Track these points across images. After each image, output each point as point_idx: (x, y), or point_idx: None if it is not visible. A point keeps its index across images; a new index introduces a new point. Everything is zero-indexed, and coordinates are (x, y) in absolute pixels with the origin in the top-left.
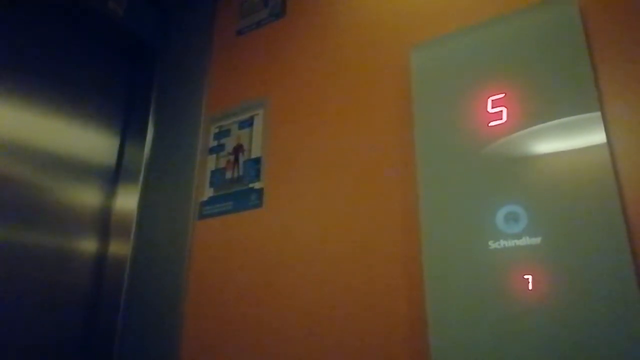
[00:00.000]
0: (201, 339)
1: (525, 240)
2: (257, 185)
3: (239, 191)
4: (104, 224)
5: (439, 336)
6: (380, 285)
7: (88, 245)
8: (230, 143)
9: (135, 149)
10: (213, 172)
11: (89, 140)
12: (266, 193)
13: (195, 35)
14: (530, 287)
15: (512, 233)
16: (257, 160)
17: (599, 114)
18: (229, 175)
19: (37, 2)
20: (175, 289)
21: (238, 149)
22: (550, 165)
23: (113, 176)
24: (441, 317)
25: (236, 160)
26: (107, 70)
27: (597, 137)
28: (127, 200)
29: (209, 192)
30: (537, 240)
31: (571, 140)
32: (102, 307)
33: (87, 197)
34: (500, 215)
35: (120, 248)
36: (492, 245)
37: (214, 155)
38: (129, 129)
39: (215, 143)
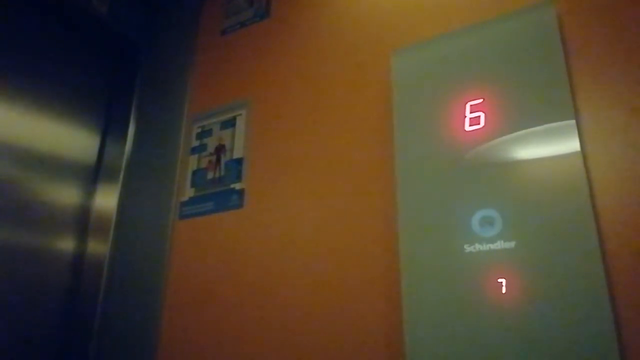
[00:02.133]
0: (180, 339)
1: (499, 244)
2: (238, 185)
3: (220, 191)
4: (82, 222)
5: (414, 338)
6: (359, 286)
7: (66, 243)
8: (212, 143)
9: (116, 148)
10: (194, 172)
11: (69, 138)
12: (247, 194)
13: (179, 34)
14: (503, 290)
15: (487, 237)
16: (239, 161)
17: (573, 121)
18: (210, 175)
19: None
20: (154, 289)
21: (220, 149)
22: (526, 172)
23: (93, 175)
24: (417, 318)
25: (218, 160)
26: (89, 68)
27: (571, 144)
28: (106, 199)
29: (190, 192)
30: (511, 244)
31: (546, 147)
32: (80, 306)
33: (66, 195)
34: (476, 219)
35: (99, 247)
36: (468, 248)
37: (196, 155)
38: (110, 127)
39: (197, 143)
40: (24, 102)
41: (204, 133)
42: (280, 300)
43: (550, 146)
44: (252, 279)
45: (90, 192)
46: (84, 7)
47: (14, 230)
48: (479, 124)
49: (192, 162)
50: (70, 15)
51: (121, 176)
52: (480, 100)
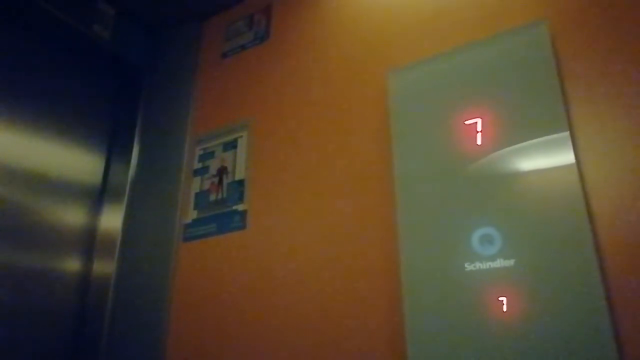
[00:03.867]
0: (185, 358)
1: (499, 262)
2: (240, 207)
3: (223, 213)
4: (88, 244)
5: (416, 356)
6: (362, 305)
7: (73, 265)
8: (214, 165)
9: (120, 170)
10: (197, 194)
11: (75, 161)
12: (250, 215)
13: (180, 58)
14: (504, 309)
15: (487, 255)
16: (241, 182)
17: (567, 133)
18: (213, 197)
19: (22, 25)
20: (159, 311)
21: (222, 171)
22: (523, 187)
23: (98, 196)
24: (419, 337)
25: (220, 182)
26: (93, 92)
27: (566, 157)
28: (112, 221)
29: (193, 214)
30: (510, 262)
31: (542, 160)
32: (86, 327)
33: (73, 217)
34: (476, 237)
35: (104, 268)
36: (468, 267)
37: (199, 177)
38: (114, 150)
39: (199, 165)
40: (31, 127)
41: (207, 155)
42: (283, 319)
43: (545, 158)
44: (255, 299)
45: (95, 213)
46: (87, 33)
47: (23, 252)
48: (475, 140)
49: (195, 184)
50: (74, 41)
51: (125, 198)
52: (476, 118)
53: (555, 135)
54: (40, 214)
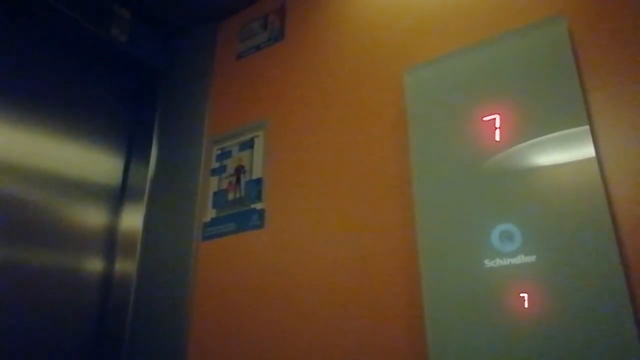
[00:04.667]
0: (207, 356)
1: (520, 259)
2: (258, 205)
3: (241, 212)
4: (110, 243)
5: (437, 353)
6: (380, 304)
7: (95, 264)
8: (231, 164)
9: (139, 170)
10: (215, 194)
11: (95, 162)
12: (268, 213)
13: (196, 59)
14: (526, 305)
15: (507, 251)
16: (258, 181)
17: (587, 127)
18: (231, 196)
19: (42, 30)
20: (180, 309)
21: (239, 170)
22: (542, 182)
23: (119, 197)
24: (439, 333)
25: (238, 181)
26: (112, 94)
27: (586, 151)
28: (132, 220)
29: (211, 213)
30: (532, 258)
31: (561, 155)
32: (109, 325)
33: (94, 217)
34: (495, 233)
35: (126, 267)
36: (488, 264)
37: (217, 177)
38: (133, 151)
39: (217, 164)
40: (50, 130)
41: (224, 154)
42: (305, 319)
43: (565, 153)
44: (273, 296)
45: (116, 213)
46: (105, 37)
47: (46, 252)
48: (494, 136)
49: (213, 184)
50: (93, 45)
51: (145, 198)
52: (495, 113)
53: (574, 130)
54: (62, 214)
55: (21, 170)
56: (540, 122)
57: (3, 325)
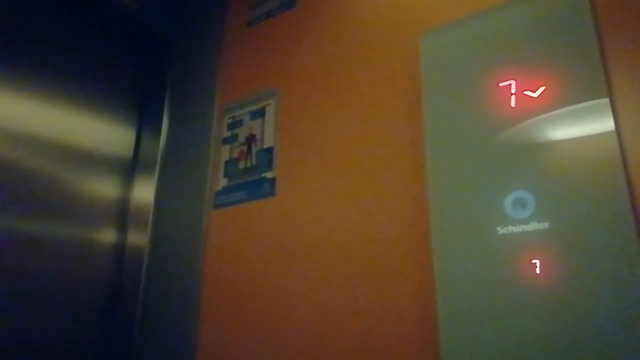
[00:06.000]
0: (217, 326)
1: (533, 226)
2: (269, 174)
3: (252, 180)
4: (122, 214)
5: (448, 321)
6: (391, 271)
7: (107, 236)
8: (243, 133)
9: (151, 141)
10: (227, 162)
11: (106, 133)
12: (279, 182)
13: (207, 27)
14: (537, 271)
15: (520, 218)
16: (270, 150)
17: (607, 100)
18: (242, 165)
19: None
20: (192, 278)
21: (250, 139)
22: (559, 152)
23: (130, 168)
24: (451, 300)
25: (249, 150)
26: (121, 63)
27: (605, 124)
28: (144, 191)
29: (223, 182)
30: (544, 225)
31: (580, 127)
32: (122, 295)
33: (106, 188)
34: (509, 201)
35: (138, 238)
36: (501, 230)
37: (228, 146)
38: (144, 121)
39: (228, 133)
40: (61, 100)
41: (235, 123)
42: (313, 287)
43: (583, 125)
44: (286, 265)
45: (128, 184)
46: (115, 3)
47: (58, 224)
48: (510, 105)
49: (225, 153)
50: (102, 11)
51: (157, 168)
52: (512, 81)
53: (594, 102)
54: (74, 186)
55: (32, 141)
56: (558, 91)
57: (17, 297)
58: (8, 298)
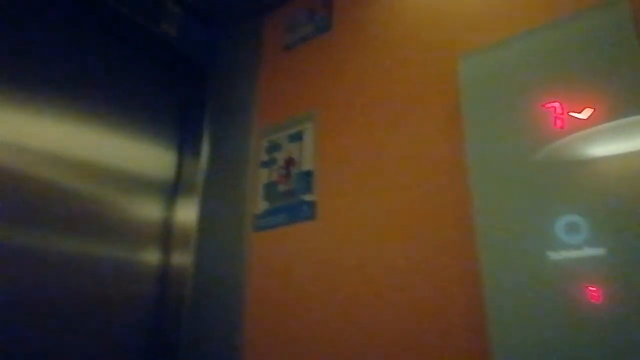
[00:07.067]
0: (261, 349)
1: (587, 251)
2: (308, 197)
3: (292, 204)
4: (166, 236)
5: (501, 353)
6: (439, 304)
7: (152, 256)
8: (281, 156)
9: (192, 164)
10: (266, 185)
11: (149, 156)
12: (318, 205)
13: (243, 52)
14: (597, 300)
15: (573, 243)
16: (309, 173)
17: None
18: (281, 188)
19: (96, 27)
20: (235, 299)
21: (289, 162)
22: (607, 171)
23: (173, 190)
24: (503, 332)
25: (288, 173)
26: (162, 89)
27: None
28: (187, 213)
29: (263, 205)
30: (599, 250)
31: (628, 142)
32: (167, 315)
33: (150, 210)
34: (560, 225)
35: (182, 259)
36: (552, 256)
37: (266, 169)
38: (185, 145)
39: (267, 157)
40: (106, 125)
41: (273, 147)
42: (357, 310)
43: (630, 141)
44: (328, 288)
45: (171, 206)
46: (155, 32)
47: (105, 245)
48: (554, 124)
49: (263, 176)
50: (144, 40)
51: (198, 191)
52: (556, 100)
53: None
54: (120, 209)
55: (79, 166)
56: (603, 108)
57: (63, 316)
58: (57, 317)
